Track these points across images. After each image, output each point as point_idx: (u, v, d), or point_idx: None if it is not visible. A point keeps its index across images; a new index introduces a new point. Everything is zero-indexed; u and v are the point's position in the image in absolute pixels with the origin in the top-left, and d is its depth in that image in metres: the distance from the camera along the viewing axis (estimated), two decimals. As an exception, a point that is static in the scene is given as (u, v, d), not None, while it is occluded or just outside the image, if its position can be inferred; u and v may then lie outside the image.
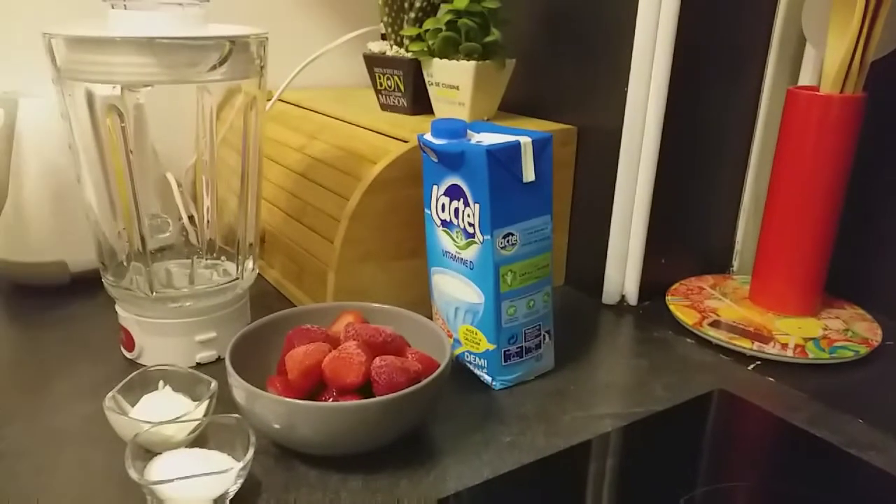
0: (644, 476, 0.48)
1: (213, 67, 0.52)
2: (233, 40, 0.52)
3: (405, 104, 0.76)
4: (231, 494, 0.43)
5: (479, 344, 0.57)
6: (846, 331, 0.66)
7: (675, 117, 0.67)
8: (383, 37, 0.79)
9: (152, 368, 0.51)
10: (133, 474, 0.41)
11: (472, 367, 0.59)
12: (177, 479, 0.41)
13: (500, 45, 0.70)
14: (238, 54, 0.53)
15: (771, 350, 0.62)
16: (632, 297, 0.72)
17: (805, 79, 0.73)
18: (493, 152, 0.52)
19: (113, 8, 0.52)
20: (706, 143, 0.73)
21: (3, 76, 0.75)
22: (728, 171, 0.77)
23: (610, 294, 0.73)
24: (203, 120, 0.59)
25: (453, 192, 0.55)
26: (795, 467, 0.50)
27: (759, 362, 0.62)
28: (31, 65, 0.61)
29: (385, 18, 0.75)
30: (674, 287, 0.74)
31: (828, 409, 0.56)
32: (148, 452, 0.44)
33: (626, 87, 0.66)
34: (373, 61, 0.77)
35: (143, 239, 0.56)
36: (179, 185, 0.65)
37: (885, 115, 0.68)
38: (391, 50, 0.76)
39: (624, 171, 0.68)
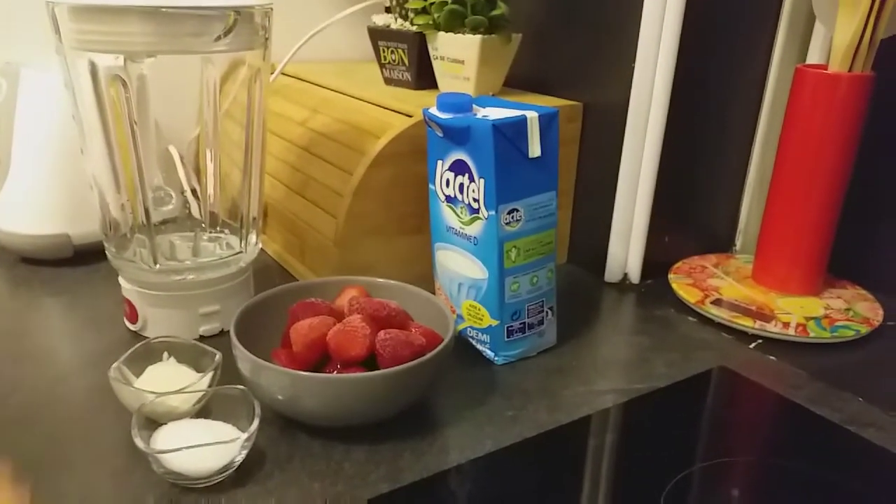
0: (644, 451, 0.49)
1: (218, 38, 0.51)
2: (238, 10, 0.51)
3: (409, 78, 0.75)
4: (236, 464, 0.43)
5: (482, 319, 0.57)
6: (847, 310, 0.66)
7: (681, 95, 0.67)
8: (388, 9, 0.78)
9: (156, 340, 0.52)
10: (139, 443, 0.42)
11: (474, 343, 0.59)
12: (183, 448, 0.41)
13: (507, 19, 0.70)
14: (243, 25, 0.52)
15: (773, 329, 0.63)
16: (634, 275, 0.72)
17: (813, 57, 0.72)
18: (499, 127, 0.52)
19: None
20: (712, 122, 0.73)
21: (5, 47, 0.74)
22: (733, 150, 0.76)
23: (613, 272, 0.73)
24: (206, 92, 0.58)
25: (458, 168, 0.55)
26: (795, 444, 0.50)
27: (760, 341, 0.63)
28: (33, 35, 0.60)
29: (390, -9, 0.75)
30: (676, 265, 0.74)
31: (828, 387, 0.56)
32: (153, 423, 0.45)
33: (634, 63, 0.65)
34: (377, 34, 0.76)
35: (146, 211, 0.56)
36: (182, 158, 0.65)
37: (894, 95, 0.67)
38: (396, 23, 0.75)
39: (629, 149, 0.68)
